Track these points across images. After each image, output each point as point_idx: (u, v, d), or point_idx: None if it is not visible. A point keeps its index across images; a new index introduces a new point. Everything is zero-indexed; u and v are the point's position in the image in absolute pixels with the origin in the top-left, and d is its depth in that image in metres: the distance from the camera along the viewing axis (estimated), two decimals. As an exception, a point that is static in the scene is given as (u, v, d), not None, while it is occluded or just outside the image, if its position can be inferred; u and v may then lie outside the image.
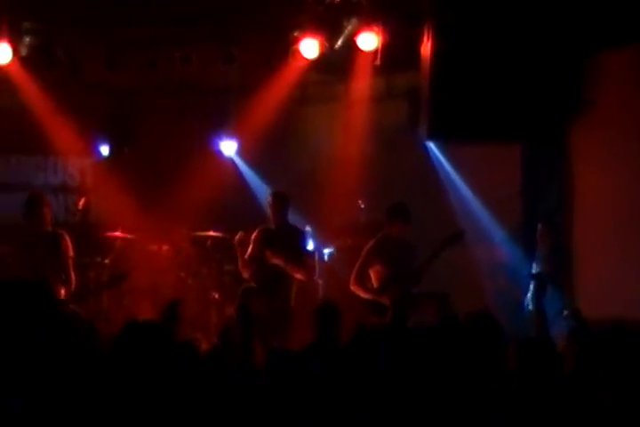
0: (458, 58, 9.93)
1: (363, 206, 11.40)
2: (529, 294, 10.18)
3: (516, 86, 9.84)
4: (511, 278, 10.93)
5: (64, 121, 12.34)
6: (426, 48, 10.28)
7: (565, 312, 9.53)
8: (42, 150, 13.03)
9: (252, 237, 9.92)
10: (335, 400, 4.52)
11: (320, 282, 10.95)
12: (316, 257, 11.07)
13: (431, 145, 11.61)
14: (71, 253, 9.88)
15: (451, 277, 10.43)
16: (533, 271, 10.19)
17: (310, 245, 10.98)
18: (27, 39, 11.63)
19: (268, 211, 10.04)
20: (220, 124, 13.07)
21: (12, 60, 11.43)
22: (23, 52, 11.63)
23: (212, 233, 11.45)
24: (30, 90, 12.05)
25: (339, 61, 11.65)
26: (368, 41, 10.90)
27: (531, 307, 10.15)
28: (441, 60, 10.02)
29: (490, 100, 9.91)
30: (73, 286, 9.55)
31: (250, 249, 9.90)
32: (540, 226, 10.26)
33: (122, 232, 11.27)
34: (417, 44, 10.44)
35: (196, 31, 11.48)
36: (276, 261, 9.80)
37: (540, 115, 9.92)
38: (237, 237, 9.94)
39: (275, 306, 10.01)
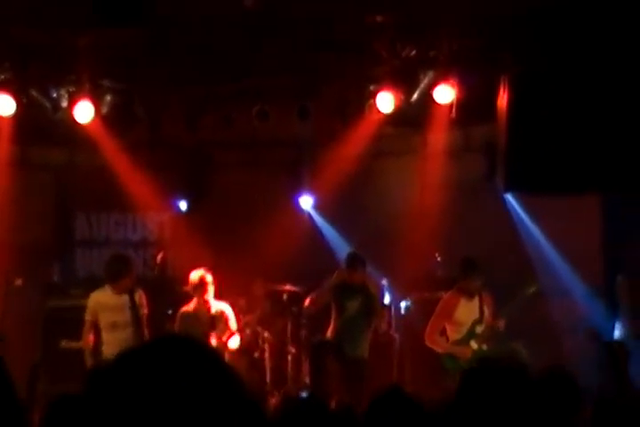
0: (534, 109, 9.85)
1: (439, 259, 11.31)
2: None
3: (593, 136, 9.70)
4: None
5: (142, 178, 12.52)
6: (502, 100, 10.22)
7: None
8: (121, 206, 13.23)
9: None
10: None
11: (396, 335, 10.85)
12: (393, 310, 10.98)
13: (509, 197, 11.52)
14: (145, 309, 10.02)
15: (529, 332, 10.28)
16: (616, 336, 9.97)
17: (387, 299, 10.92)
18: (107, 98, 11.85)
19: (344, 268, 10.30)
20: (296, 178, 13.13)
21: (94, 119, 11.62)
22: (104, 110, 11.83)
23: (288, 287, 11.45)
24: (110, 147, 12.25)
25: (415, 114, 11.63)
26: (444, 94, 10.86)
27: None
28: (517, 112, 9.96)
29: (567, 152, 9.78)
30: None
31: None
32: (620, 279, 10.07)
33: (198, 286, 11.29)
34: (493, 96, 10.38)
35: (272, 86, 11.60)
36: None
37: (620, 164, 9.76)
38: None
39: (349, 361, 9.99)
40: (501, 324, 9.69)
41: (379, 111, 11.29)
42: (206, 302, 10.34)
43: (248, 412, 1.79)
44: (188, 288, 10.73)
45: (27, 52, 10.89)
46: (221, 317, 10.41)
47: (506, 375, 4.68)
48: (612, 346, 9.90)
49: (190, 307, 10.45)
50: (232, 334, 10.37)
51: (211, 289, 10.31)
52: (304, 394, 10.38)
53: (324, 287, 10.47)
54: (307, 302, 10.65)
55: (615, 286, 10.15)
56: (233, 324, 10.44)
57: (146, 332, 9.87)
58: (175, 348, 1.78)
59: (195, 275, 10.35)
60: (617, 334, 9.99)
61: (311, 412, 4.77)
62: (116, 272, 9.85)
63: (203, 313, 10.36)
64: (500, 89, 10.25)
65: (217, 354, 1.83)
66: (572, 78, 9.74)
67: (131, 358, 1.78)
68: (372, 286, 10.40)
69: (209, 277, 10.30)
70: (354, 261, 10.31)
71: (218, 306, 10.45)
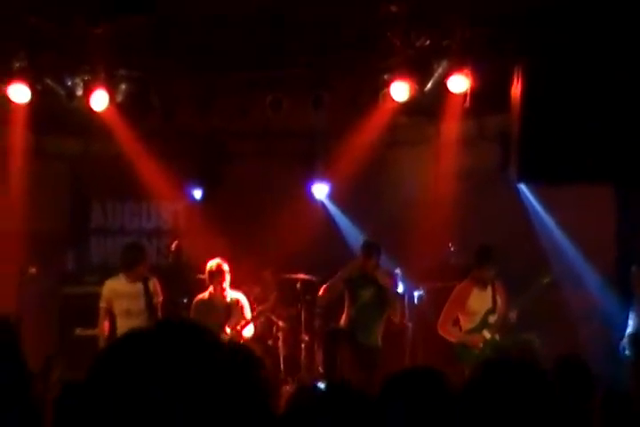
0: (548, 99, 9.83)
1: (453, 249, 11.33)
2: (625, 339, 9.99)
3: (607, 126, 9.68)
4: (606, 322, 10.73)
5: (157, 166, 12.57)
6: (516, 90, 10.21)
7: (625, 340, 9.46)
8: (136, 195, 13.30)
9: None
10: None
11: (409, 324, 10.87)
12: (406, 299, 11.00)
13: (522, 187, 11.52)
14: (160, 297, 10.10)
15: (543, 321, 10.30)
16: (631, 329, 9.97)
17: (400, 288, 10.93)
18: (122, 86, 11.88)
19: (359, 257, 10.35)
20: (310, 168, 13.18)
21: (108, 107, 11.64)
22: (119, 98, 11.85)
23: (301, 276, 11.49)
24: (125, 136, 12.28)
25: (429, 104, 11.64)
26: (458, 83, 10.84)
27: (628, 352, 9.94)
28: (531, 102, 9.94)
29: (581, 141, 9.76)
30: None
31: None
32: (634, 269, 10.07)
33: (212, 274, 11.35)
34: (507, 86, 10.38)
35: (286, 76, 11.61)
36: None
37: (634, 154, 9.74)
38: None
39: (362, 349, 10.04)
40: (513, 315, 9.72)
41: (393, 101, 11.27)
42: (223, 290, 10.43)
43: (254, 400, 1.81)
44: (204, 276, 10.84)
45: (42, 41, 10.91)
46: (237, 305, 10.48)
47: (518, 366, 4.68)
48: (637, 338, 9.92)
49: (206, 295, 10.53)
50: (247, 322, 10.44)
51: (227, 278, 10.39)
52: (320, 383, 10.42)
53: (338, 276, 10.48)
54: (321, 291, 10.67)
55: (629, 275, 10.15)
56: (248, 313, 10.51)
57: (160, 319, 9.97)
58: (178, 333, 1.79)
59: (212, 263, 10.44)
60: (630, 323, 10.01)
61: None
62: (131, 260, 9.96)
63: (218, 301, 10.44)
64: (513, 78, 10.24)
65: (219, 339, 1.84)
66: (586, 67, 9.72)
67: (134, 342, 1.80)
68: (382, 277, 10.38)
69: (226, 266, 10.39)
70: (369, 248, 10.34)
71: (233, 295, 10.53)
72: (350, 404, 4.83)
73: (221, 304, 10.43)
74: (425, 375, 4.05)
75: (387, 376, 4.11)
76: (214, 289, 10.46)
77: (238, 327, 10.31)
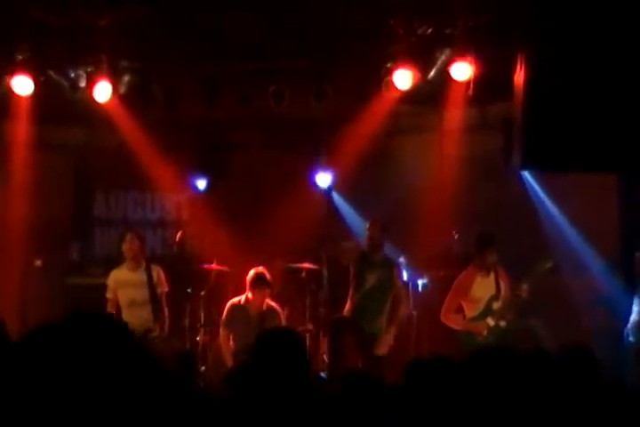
0: (551, 87, 9.77)
1: (456, 236, 11.31)
2: (629, 325, 9.99)
3: (611, 114, 9.64)
4: (609, 309, 10.74)
5: (161, 157, 12.59)
6: (519, 77, 10.18)
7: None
8: (139, 186, 13.32)
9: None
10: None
11: (414, 313, 10.88)
12: (410, 288, 11.00)
13: (526, 174, 11.52)
14: (165, 287, 10.11)
15: (547, 308, 10.30)
16: (634, 316, 9.97)
17: (404, 276, 10.92)
18: (125, 77, 11.90)
19: (366, 237, 10.22)
20: (314, 157, 13.17)
21: (112, 99, 11.65)
22: (122, 89, 11.86)
23: (306, 265, 11.47)
24: (128, 127, 12.29)
25: (432, 92, 11.62)
26: (461, 71, 10.81)
27: (631, 338, 9.94)
28: (534, 89, 9.87)
29: (585, 129, 9.70)
30: (166, 320, 9.90)
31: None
32: (638, 255, 10.06)
33: (217, 265, 11.37)
34: (510, 73, 10.35)
35: (289, 66, 11.61)
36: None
37: (638, 142, 9.70)
38: None
39: (367, 337, 10.02)
40: (524, 289, 9.59)
41: (396, 89, 11.26)
42: (263, 301, 10.29)
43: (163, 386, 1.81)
44: (209, 266, 10.91)
45: (45, 33, 10.91)
46: (273, 313, 10.35)
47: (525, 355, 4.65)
48: None
49: (242, 299, 10.35)
50: None
51: (267, 289, 10.30)
52: (322, 373, 10.44)
53: None
54: None
55: (633, 262, 10.15)
56: (282, 323, 10.41)
57: (165, 309, 10.02)
58: (85, 325, 1.78)
59: (256, 271, 10.26)
60: (634, 309, 10.01)
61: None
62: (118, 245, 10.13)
63: (254, 309, 10.28)
64: (516, 66, 10.21)
65: (127, 331, 1.84)
66: (590, 55, 9.67)
67: (38, 335, 1.79)
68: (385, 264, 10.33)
69: (268, 276, 10.29)
70: (374, 224, 10.25)
71: (269, 303, 10.42)
72: (366, 391, 4.84)
73: (256, 312, 10.26)
74: (440, 363, 4.08)
75: (404, 365, 4.12)
76: (253, 297, 10.26)
77: None
